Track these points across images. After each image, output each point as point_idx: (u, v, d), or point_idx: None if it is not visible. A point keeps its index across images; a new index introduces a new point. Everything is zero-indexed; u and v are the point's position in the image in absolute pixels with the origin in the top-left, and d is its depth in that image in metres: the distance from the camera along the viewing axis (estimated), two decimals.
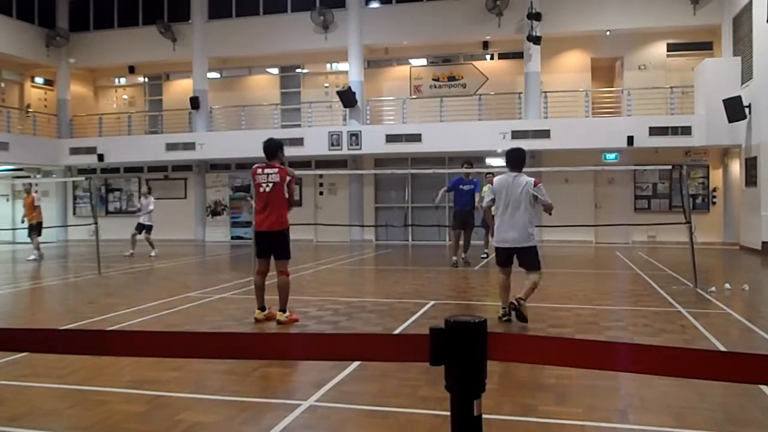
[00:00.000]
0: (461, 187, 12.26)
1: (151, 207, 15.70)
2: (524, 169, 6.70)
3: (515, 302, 6.47)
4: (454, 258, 12.21)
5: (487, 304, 8.04)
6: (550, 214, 6.75)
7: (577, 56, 19.91)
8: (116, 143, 21.83)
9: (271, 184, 6.52)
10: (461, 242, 12.38)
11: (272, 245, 6.59)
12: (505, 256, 6.64)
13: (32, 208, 15.13)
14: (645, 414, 3.86)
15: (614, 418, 3.83)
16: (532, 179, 6.51)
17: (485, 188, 13.97)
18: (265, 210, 6.55)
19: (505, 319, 6.59)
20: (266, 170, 6.61)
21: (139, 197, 16.63)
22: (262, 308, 6.85)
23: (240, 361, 4.74)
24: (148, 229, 15.64)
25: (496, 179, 6.65)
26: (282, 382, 4.60)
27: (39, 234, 15.12)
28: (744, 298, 8.38)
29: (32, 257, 14.69)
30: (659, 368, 1.60)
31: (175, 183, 22.40)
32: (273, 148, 6.72)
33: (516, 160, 6.61)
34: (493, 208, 6.82)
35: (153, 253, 15.31)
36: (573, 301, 8.15)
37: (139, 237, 15.73)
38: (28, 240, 15.37)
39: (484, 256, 13.65)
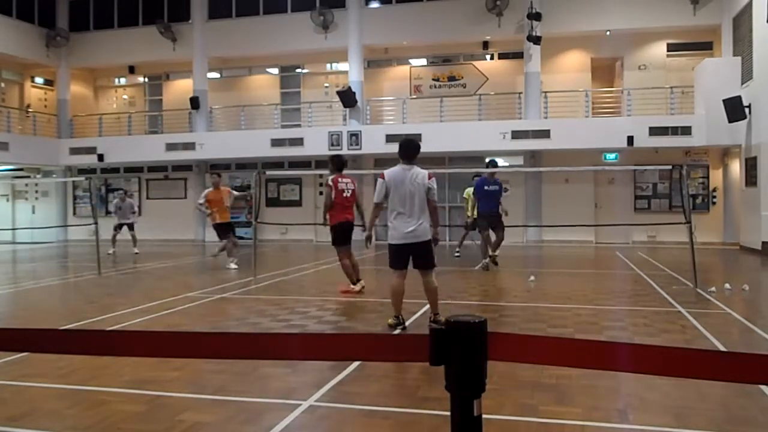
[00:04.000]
0: (486, 188, 11.61)
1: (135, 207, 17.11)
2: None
3: (432, 323, 6.20)
4: (486, 261, 11.70)
5: (487, 304, 8.05)
6: (434, 217, 6.27)
7: (577, 56, 19.91)
8: (116, 143, 21.82)
9: (350, 191, 8.94)
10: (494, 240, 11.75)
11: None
12: (403, 256, 6.22)
13: (223, 206, 12.39)
14: (645, 414, 3.86)
15: (614, 418, 3.83)
16: (426, 172, 6.21)
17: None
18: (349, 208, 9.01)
19: (399, 328, 6.30)
20: (344, 179, 8.99)
21: (123, 199, 16.80)
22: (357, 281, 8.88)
23: (240, 361, 4.74)
24: (131, 226, 16.57)
25: (388, 172, 6.20)
26: (282, 382, 4.60)
27: (233, 233, 12.68)
28: (744, 298, 8.37)
29: (231, 265, 12.14)
30: (659, 368, 1.60)
31: (175, 183, 22.40)
32: (342, 162, 9.25)
33: (410, 150, 6.25)
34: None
35: (136, 250, 16.20)
36: (573, 301, 8.14)
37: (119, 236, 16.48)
38: (217, 240, 13.09)
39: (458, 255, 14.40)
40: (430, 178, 6.19)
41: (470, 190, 13.72)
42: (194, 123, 21.56)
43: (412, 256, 6.24)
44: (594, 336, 5.99)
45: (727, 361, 1.61)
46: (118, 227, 16.46)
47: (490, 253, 11.72)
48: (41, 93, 23.86)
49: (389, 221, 6.24)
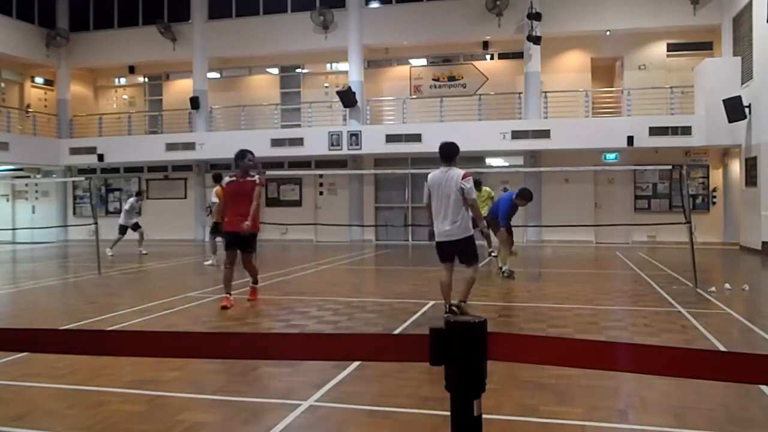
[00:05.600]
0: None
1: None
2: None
3: (455, 308, 6.63)
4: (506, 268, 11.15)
5: (487, 304, 8.04)
6: (474, 214, 6.61)
7: (577, 56, 19.91)
8: (116, 143, 21.82)
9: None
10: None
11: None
12: (443, 252, 6.70)
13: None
14: (645, 414, 3.86)
15: (614, 418, 3.83)
16: (462, 171, 6.57)
17: (483, 191, 13.63)
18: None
19: (450, 313, 6.67)
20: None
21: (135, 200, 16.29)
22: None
23: (240, 361, 4.74)
24: (137, 224, 15.91)
25: (430, 175, 6.73)
26: (282, 382, 4.60)
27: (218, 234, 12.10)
28: (744, 298, 8.37)
29: (209, 262, 12.97)
30: (659, 368, 1.60)
31: (175, 183, 22.40)
32: None
33: (448, 153, 6.69)
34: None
35: (144, 251, 15.71)
36: (573, 301, 8.14)
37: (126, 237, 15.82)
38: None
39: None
40: (464, 177, 6.50)
41: (483, 191, 13.64)
42: (194, 123, 21.56)
43: (456, 251, 6.64)
44: (594, 336, 5.99)
45: (727, 361, 1.61)
46: (124, 230, 15.58)
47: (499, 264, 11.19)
48: (41, 93, 23.86)
49: (434, 219, 6.66)
